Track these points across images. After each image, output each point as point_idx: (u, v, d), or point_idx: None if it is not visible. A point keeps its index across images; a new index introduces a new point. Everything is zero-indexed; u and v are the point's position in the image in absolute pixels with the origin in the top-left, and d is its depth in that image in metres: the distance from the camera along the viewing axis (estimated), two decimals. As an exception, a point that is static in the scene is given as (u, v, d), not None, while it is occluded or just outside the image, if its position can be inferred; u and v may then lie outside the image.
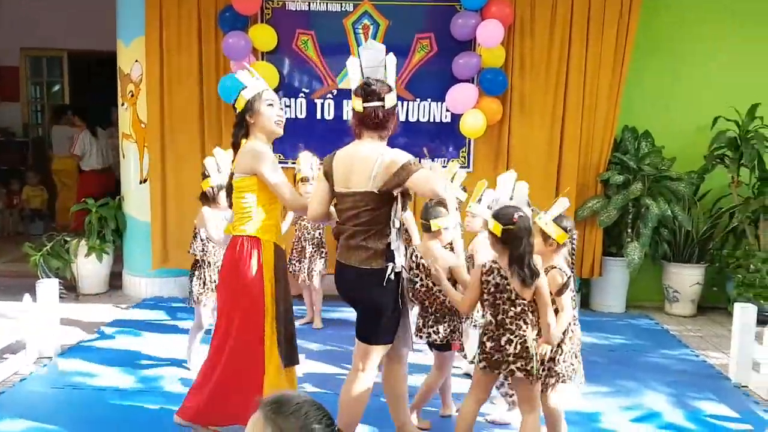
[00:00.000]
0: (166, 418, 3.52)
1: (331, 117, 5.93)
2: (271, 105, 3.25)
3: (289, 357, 3.26)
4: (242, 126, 3.28)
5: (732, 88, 6.18)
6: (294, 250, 5.24)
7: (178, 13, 5.81)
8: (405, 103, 5.88)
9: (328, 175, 3.08)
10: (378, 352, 3.09)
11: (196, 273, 4.27)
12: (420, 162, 3.17)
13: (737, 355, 4.41)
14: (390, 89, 3.02)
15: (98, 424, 3.59)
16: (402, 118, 5.90)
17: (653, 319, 5.95)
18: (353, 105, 3.05)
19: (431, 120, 5.93)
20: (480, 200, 3.63)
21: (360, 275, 2.99)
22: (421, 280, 3.44)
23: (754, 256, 5.84)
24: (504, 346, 2.91)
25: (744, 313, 4.37)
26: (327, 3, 5.81)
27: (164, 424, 3.51)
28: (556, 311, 3.04)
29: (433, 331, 3.45)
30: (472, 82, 5.76)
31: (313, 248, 5.19)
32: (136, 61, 6.03)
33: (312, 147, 5.92)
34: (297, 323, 3.77)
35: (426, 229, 3.41)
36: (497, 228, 2.89)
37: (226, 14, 5.69)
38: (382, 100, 2.99)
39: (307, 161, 5.05)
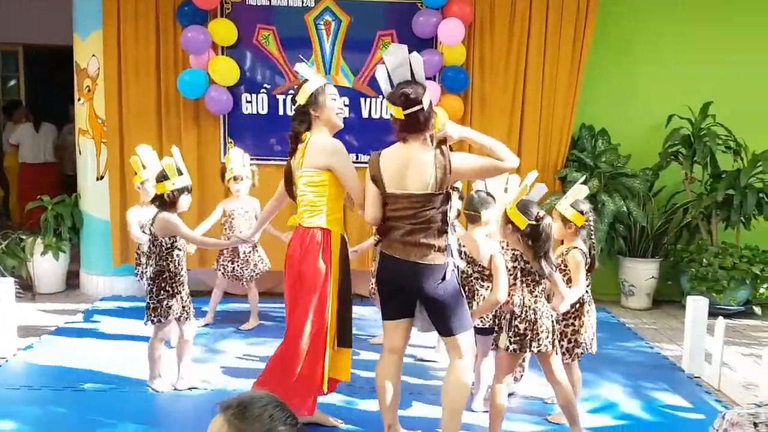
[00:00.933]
0: (123, 417, 3.47)
1: (293, 113, 5.89)
2: (334, 99, 3.40)
3: (344, 339, 3.42)
4: (304, 119, 3.38)
5: (685, 87, 6.35)
6: (226, 251, 5.10)
7: (136, 6, 5.71)
8: (367, 99, 5.90)
9: (377, 179, 3.14)
10: (466, 337, 3.17)
11: (170, 289, 3.85)
12: None
13: (690, 347, 4.54)
14: (424, 88, 3.10)
15: (55, 426, 3.52)
16: (364, 114, 5.92)
17: (610, 312, 6.08)
18: (393, 113, 3.11)
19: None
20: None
21: (422, 270, 3.08)
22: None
23: (707, 251, 6.01)
24: (535, 326, 3.17)
25: (696, 306, 4.50)
26: (288, -2, 5.79)
27: (121, 423, 3.46)
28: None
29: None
30: (434, 80, 5.80)
31: (249, 248, 5.06)
32: (93, 55, 5.91)
33: (275, 142, 5.93)
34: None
35: (472, 219, 3.59)
36: (523, 222, 3.14)
37: (185, 8, 5.62)
38: (421, 102, 3.06)
39: (239, 159, 4.99)
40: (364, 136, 5.95)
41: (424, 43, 5.79)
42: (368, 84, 5.88)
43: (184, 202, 3.88)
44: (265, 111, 5.90)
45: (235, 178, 4.93)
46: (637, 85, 6.41)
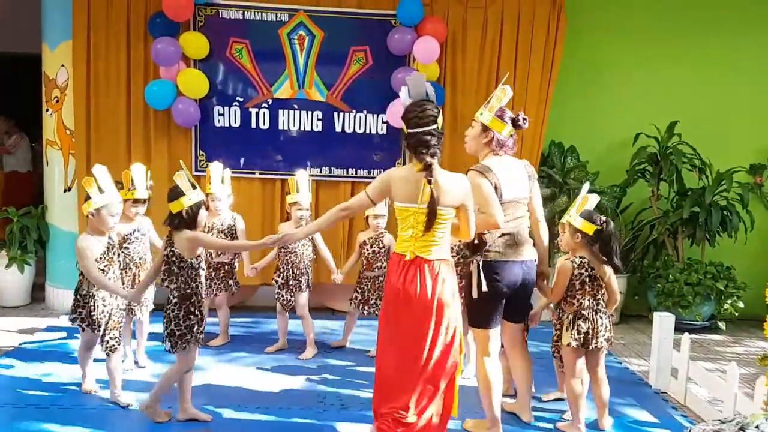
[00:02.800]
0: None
1: (266, 126, 5.89)
2: None
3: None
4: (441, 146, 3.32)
5: (652, 106, 6.49)
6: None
7: (107, 17, 5.66)
8: (340, 114, 5.91)
9: (498, 187, 3.47)
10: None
11: (198, 313, 3.57)
12: None
13: (656, 363, 4.61)
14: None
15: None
16: (338, 129, 5.93)
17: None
18: (500, 130, 3.55)
19: (367, 131, 5.97)
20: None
21: (533, 266, 3.66)
22: None
23: (673, 267, 6.13)
24: (598, 325, 3.70)
25: (663, 321, 4.57)
26: (262, 12, 5.79)
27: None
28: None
29: None
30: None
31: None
32: (62, 65, 5.84)
33: (247, 156, 5.90)
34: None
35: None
36: (590, 228, 3.64)
37: (156, 20, 5.59)
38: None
39: (218, 174, 4.86)
40: (337, 151, 5.96)
41: (397, 59, 5.84)
42: (341, 99, 5.90)
43: (204, 216, 3.61)
44: (237, 124, 5.87)
45: (209, 194, 4.76)
46: (605, 104, 6.53)
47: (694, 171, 6.38)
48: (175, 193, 3.49)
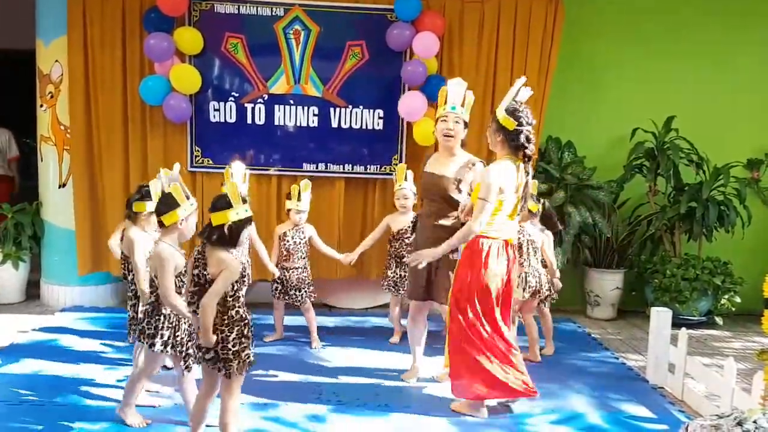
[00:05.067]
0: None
1: (262, 122, 5.86)
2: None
3: None
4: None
5: (650, 101, 6.48)
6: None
7: (102, 12, 5.62)
8: (336, 109, 5.88)
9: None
10: None
11: (250, 335, 3.15)
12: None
13: (654, 358, 4.60)
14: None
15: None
16: (333, 124, 5.90)
17: (576, 323, 6.14)
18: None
19: (363, 127, 5.94)
20: None
21: None
22: None
23: (670, 262, 6.12)
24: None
25: (660, 317, 4.56)
26: (257, 7, 5.75)
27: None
28: None
29: None
30: (420, 91, 5.77)
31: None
32: (57, 61, 5.80)
33: (243, 152, 5.87)
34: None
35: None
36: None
37: (151, 15, 5.55)
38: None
39: (241, 173, 4.65)
40: (333, 147, 5.94)
41: (393, 54, 5.81)
42: (338, 94, 5.87)
43: (245, 238, 3.26)
44: (233, 119, 5.84)
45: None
46: (602, 100, 6.51)
47: (691, 166, 6.37)
48: (222, 204, 3.03)
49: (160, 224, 3.26)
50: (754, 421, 2.72)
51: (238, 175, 4.61)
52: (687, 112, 6.39)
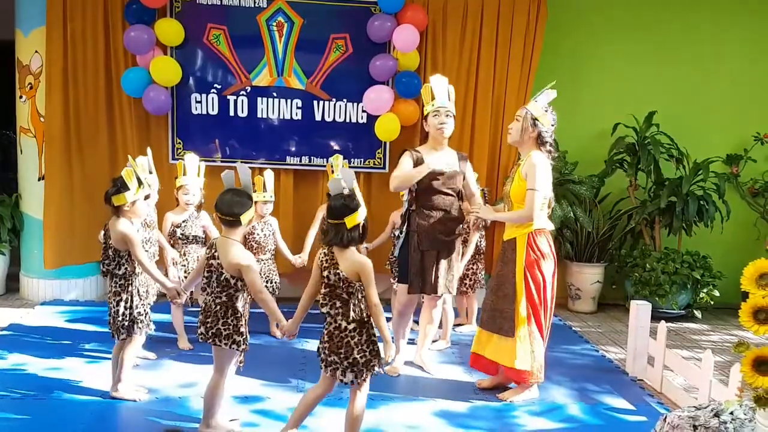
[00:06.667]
0: (50, 427, 3.40)
1: (244, 114, 5.84)
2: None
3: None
4: None
5: (631, 96, 6.53)
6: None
7: (82, 3, 5.57)
8: (320, 102, 5.87)
9: None
10: None
11: (370, 333, 3.07)
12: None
13: (633, 350, 4.66)
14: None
15: None
16: (317, 117, 5.89)
17: (557, 316, 6.17)
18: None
19: (347, 120, 5.93)
20: None
21: None
22: None
23: (650, 256, 6.18)
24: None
25: (639, 310, 4.61)
26: (240, -1, 5.72)
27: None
28: None
29: None
30: (388, 84, 5.81)
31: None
32: (36, 51, 5.73)
33: (226, 144, 5.84)
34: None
35: None
36: None
37: (133, 6, 5.51)
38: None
39: (194, 165, 4.67)
40: (317, 140, 5.92)
41: (377, 47, 5.81)
42: (321, 87, 5.85)
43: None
44: (215, 112, 5.81)
45: (180, 188, 4.67)
46: (584, 95, 6.55)
47: (671, 161, 6.43)
48: (355, 203, 3.03)
49: (108, 203, 3.58)
50: (731, 413, 2.77)
51: (192, 168, 4.62)
52: (668, 107, 6.45)
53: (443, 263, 4.26)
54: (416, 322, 5.43)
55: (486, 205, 4.35)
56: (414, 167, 4.17)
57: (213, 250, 3.24)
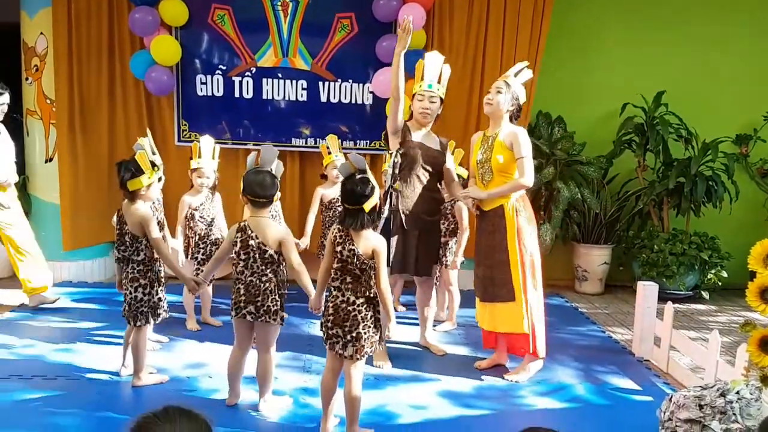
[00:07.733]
0: (61, 407, 3.43)
1: (250, 95, 5.82)
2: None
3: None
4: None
5: (640, 76, 6.46)
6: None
7: (87, -16, 5.55)
8: (326, 83, 5.84)
9: None
10: None
11: (377, 310, 3.10)
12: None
13: (640, 331, 4.65)
14: None
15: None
16: (323, 98, 5.86)
17: (564, 297, 6.18)
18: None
19: (353, 101, 5.90)
20: None
21: None
22: None
23: (658, 237, 6.15)
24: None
25: (646, 291, 4.59)
26: (245, -22, 5.68)
27: (59, 414, 3.39)
28: None
29: None
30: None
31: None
32: (41, 33, 5.72)
33: (231, 126, 5.83)
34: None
35: None
36: None
37: (137, -13, 5.48)
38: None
39: (209, 148, 4.57)
40: (322, 121, 5.90)
41: (383, 27, 5.76)
42: (327, 67, 5.82)
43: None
44: (220, 93, 5.79)
45: (195, 170, 4.57)
46: (592, 75, 6.50)
47: (680, 141, 6.38)
48: (371, 188, 3.02)
49: (123, 187, 3.54)
50: (737, 392, 2.76)
51: (207, 151, 4.53)
52: (676, 87, 6.39)
53: (425, 244, 4.22)
54: (403, 304, 5.46)
55: (473, 186, 4.19)
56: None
57: (249, 231, 3.28)
